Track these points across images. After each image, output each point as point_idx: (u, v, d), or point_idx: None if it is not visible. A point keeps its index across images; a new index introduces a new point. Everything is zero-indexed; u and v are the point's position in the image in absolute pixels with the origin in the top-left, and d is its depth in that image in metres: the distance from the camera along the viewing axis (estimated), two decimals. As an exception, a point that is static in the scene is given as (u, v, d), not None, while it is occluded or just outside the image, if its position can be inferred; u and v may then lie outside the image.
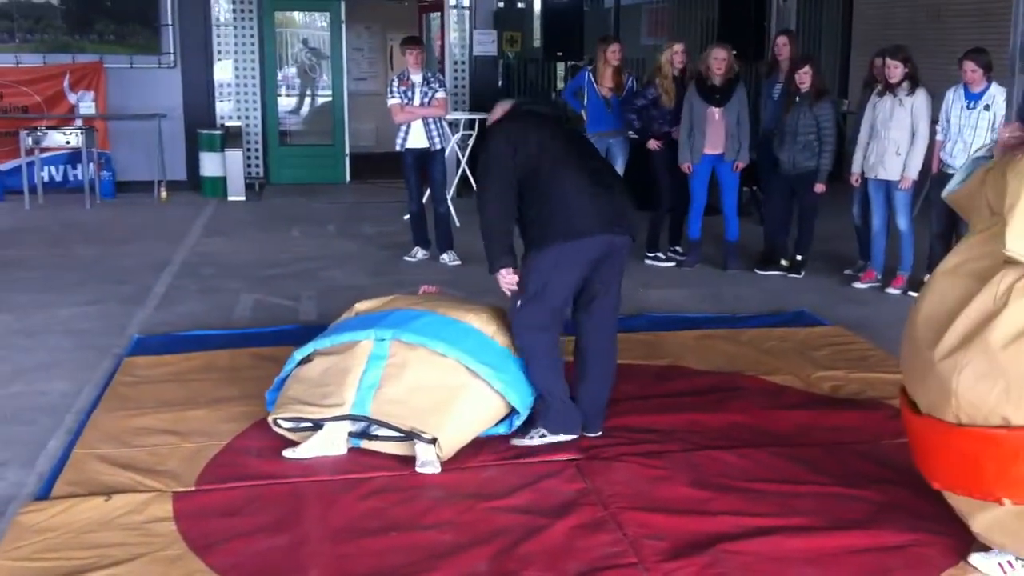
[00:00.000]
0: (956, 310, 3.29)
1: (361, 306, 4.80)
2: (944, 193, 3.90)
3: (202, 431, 4.52)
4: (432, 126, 8.05)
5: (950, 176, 6.63)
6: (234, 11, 11.86)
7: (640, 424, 4.67)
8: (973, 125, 6.81)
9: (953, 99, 6.94)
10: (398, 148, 8.11)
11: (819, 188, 7.60)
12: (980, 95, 6.82)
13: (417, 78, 8.06)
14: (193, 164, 11.66)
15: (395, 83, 8.07)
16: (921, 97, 7.05)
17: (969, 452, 3.24)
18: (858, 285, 7.48)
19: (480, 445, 4.39)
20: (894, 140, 7.09)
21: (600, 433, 4.50)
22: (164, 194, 11.29)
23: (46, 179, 11.27)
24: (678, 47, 8.12)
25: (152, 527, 3.64)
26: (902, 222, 7.19)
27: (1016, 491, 3.18)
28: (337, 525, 3.69)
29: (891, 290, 7.30)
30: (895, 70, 7.07)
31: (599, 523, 3.73)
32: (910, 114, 7.04)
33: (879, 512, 3.78)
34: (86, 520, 3.67)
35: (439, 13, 11.86)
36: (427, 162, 8.09)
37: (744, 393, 5.15)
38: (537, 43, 13.01)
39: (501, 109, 4.69)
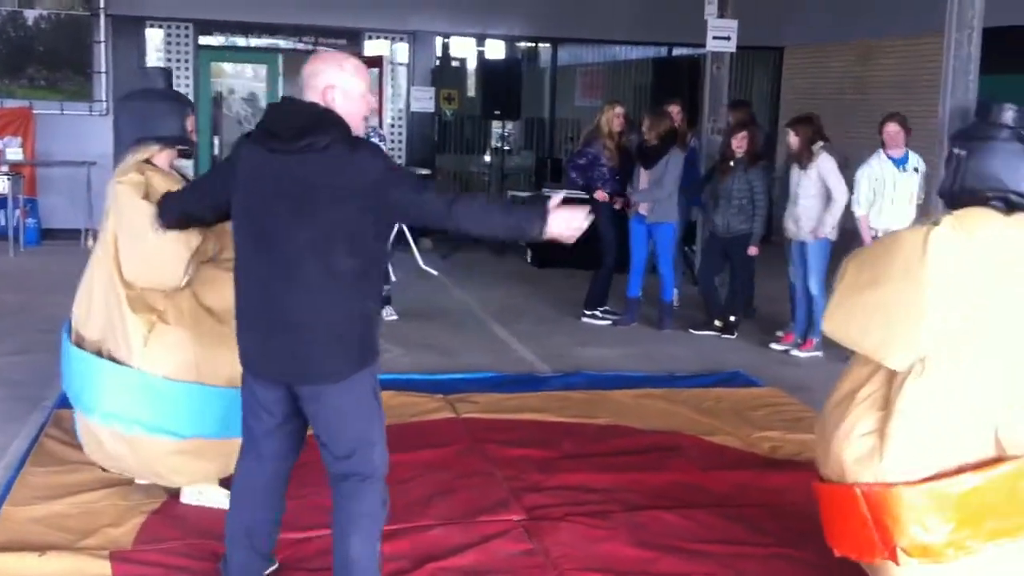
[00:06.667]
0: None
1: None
2: None
3: (137, 487, 4.40)
4: (372, 181, 8.04)
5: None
6: (168, 60, 11.78)
7: (583, 483, 4.68)
8: (908, 187, 7.01)
9: (881, 167, 7.08)
10: (336, 202, 8.07)
11: (752, 251, 7.76)
12: (905, 159, 7.05)
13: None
14: (121, 212, 11.45)
15: (334, 138, 8.07)
16: (823, 162, 7.19)
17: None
18: (775, 346, 7.58)
19: (425, 503, 4.35)
20: (804, 207, 7.28)
21: None
22: (91, 242, 11.03)
23: (-32, 226, 11.01)
24: (619, 109, 8.27)
25: (89, 588, 3.53)
26: (814, 285, 7.32)
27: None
28: (281, 586, 3.62)
29: (798, 353, 7.40)
30: (790, 139, 7.31)
31: (548, 584, 3.72)
32: (817, 181, 7.20)
33: (823, 573, 3.81)
34: (19, 581, 3.55)
35: (377, 69, 11.93)
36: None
37: (684, 452, 5.19)
38: (475, 100, 13.16)
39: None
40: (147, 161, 4.19)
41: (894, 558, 3.09)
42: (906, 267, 3.15)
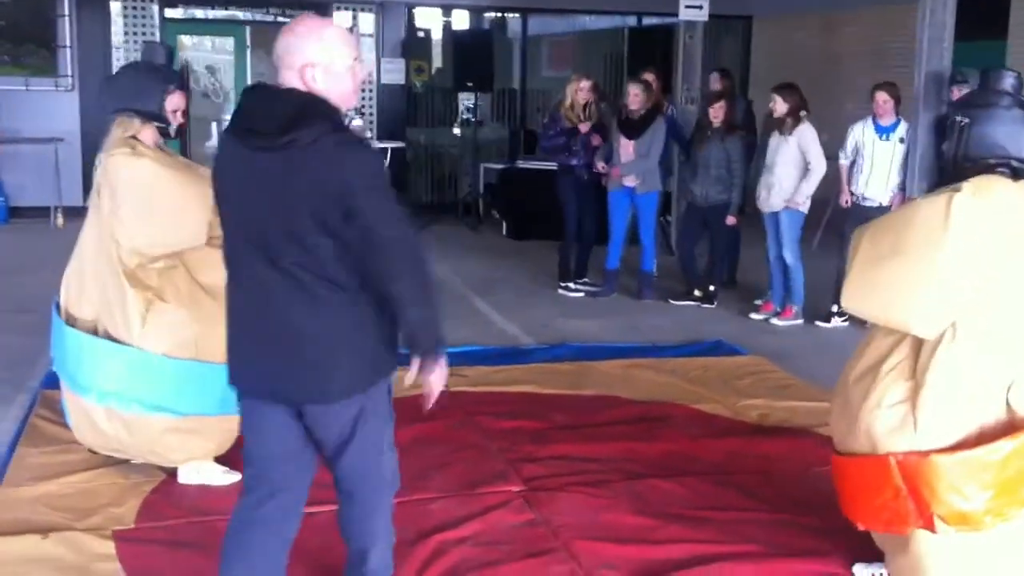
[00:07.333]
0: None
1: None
2: None
3: (134, 466, 4.37)
4: (348, 154, 7.99)
5: (867, 209, 6.92)
6: (135, 33, 11.59)
7: (579, 454, 4.71)
8: (890, 157, 7.07)
9: (863, 131, 7.18)
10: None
11: (730, 220, 7.82)
12: (892, 128, 7.11)
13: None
14: (90, 190, 11.28)
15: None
16: (805, 131, 7.25)
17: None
18: (755, 316, 7.63)
19: (423, 476, 4.37)
20: (779, 175, 7.32)
21: None
22: (61, 220, 10.93)
23: (-68, 205, 10.83)
24: (585, 83, 8.24)
25: (95, 567, 3.52)
26: (788, 255, 7.39)
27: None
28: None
29: (777, 321, 7.47)
30: (777, 105, 7.33)
31: (552, 554, 3.75)
32: (796, 149, 7.25)
33: (823, 538, 3.87)
34: (24, 562, 3.52)
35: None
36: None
37: (675, 422, 5.24)
38: (444, 71, 13.09)
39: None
40: (133, 137, 4.17)
41: (931, 527, 3.10)
42: (928, 234, 3.13)
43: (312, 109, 2.66)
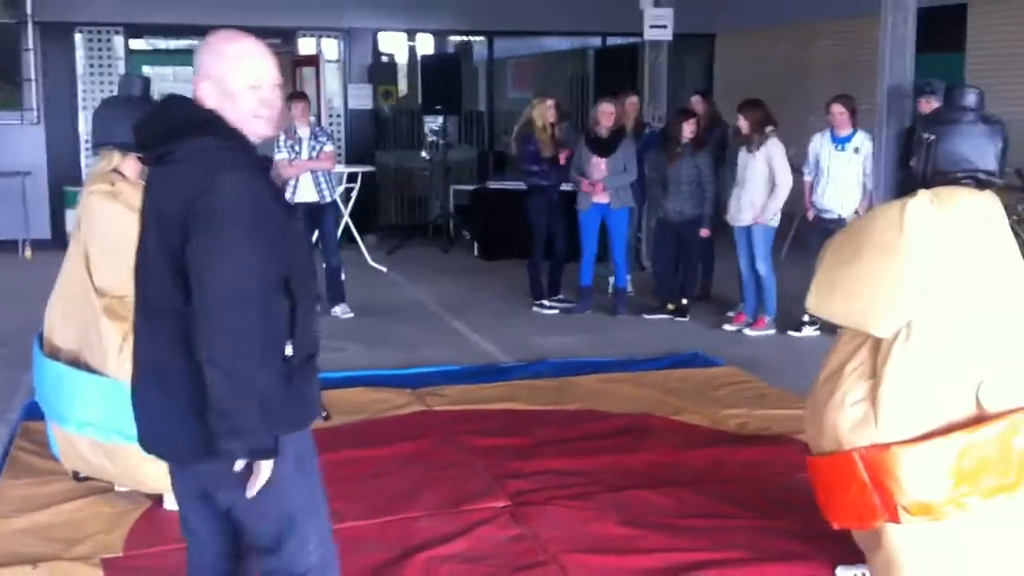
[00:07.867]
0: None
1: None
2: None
3: (119, 493, 4.37)
4: (321, 179, 8.04)
5: (826, 221, 7.08)
6: (100, 65, 11.57)
7: (563, 468, 4.76)
8: (844, 167, 7.21)
9: (821, 143, 7.34)
10: (287, 202, 8.02)
11: (704, 233, 7.92)
12: (848, 139, 7.24)
13: (304, 132, 8.05)
14: (58, 222, 11.27)
15: (282, 138, 8.01)
16: (772, 147, 7.37)
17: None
18: (728, 327, 7.72)
19: (408, 495, 4.40)
20: (749, 191, 7.44)
21: None
22: (29, 253, 10.89)
23: (-101, 241, 10.74)
24: (550, 102, 8.34)
25: (86, 596, 3.52)
26: (762, 266, 7.51)
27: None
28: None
29: (750, 332, 7.57)
30: (740, 123, 7.48)
31: (542, 567, 3.79)
32: (764, 165, 7.37)
33: (806, 542, 3.93)
34: (14, 593, 3.52)
35: (314, 68, 11.87)
36: (318, 215, 8.06)
37: (657, 433, 5.30)
38: (411, 95, 13.14)
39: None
40: (115, 171, 4.20)
41: (895, 518, 3.19)
42: (885, 238, 3.27)
43: (196, 124, 2.42)
